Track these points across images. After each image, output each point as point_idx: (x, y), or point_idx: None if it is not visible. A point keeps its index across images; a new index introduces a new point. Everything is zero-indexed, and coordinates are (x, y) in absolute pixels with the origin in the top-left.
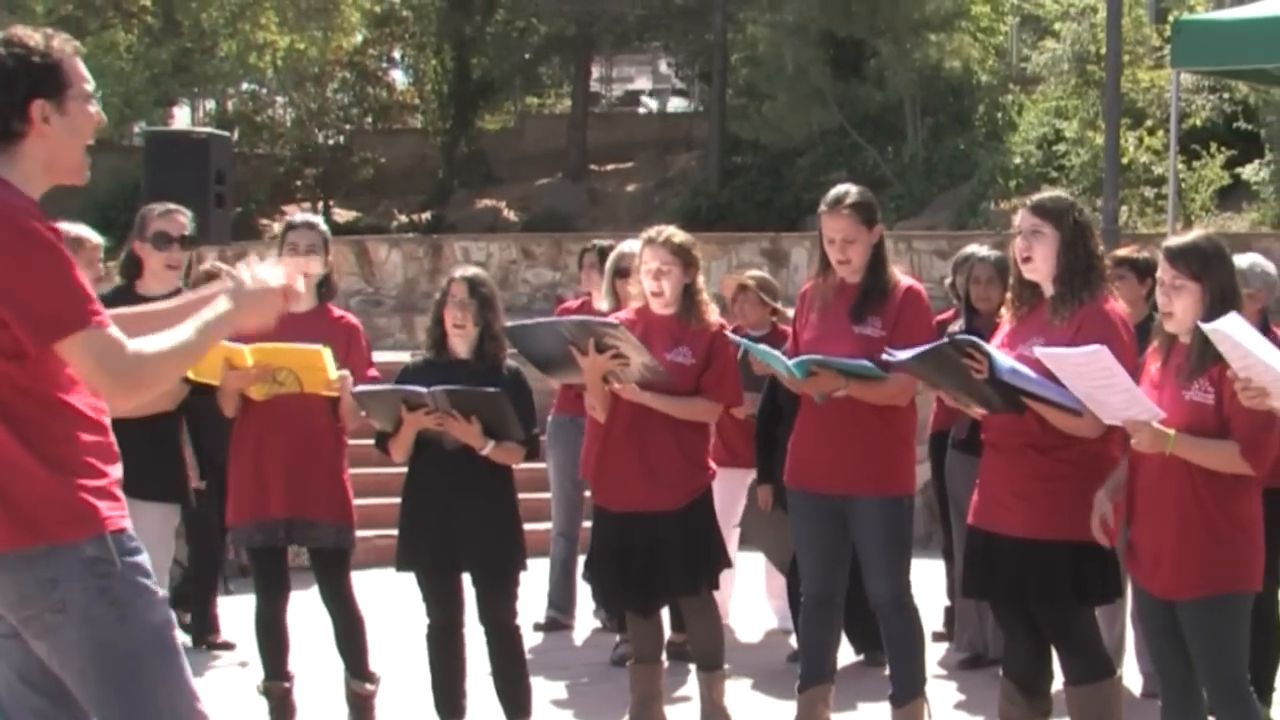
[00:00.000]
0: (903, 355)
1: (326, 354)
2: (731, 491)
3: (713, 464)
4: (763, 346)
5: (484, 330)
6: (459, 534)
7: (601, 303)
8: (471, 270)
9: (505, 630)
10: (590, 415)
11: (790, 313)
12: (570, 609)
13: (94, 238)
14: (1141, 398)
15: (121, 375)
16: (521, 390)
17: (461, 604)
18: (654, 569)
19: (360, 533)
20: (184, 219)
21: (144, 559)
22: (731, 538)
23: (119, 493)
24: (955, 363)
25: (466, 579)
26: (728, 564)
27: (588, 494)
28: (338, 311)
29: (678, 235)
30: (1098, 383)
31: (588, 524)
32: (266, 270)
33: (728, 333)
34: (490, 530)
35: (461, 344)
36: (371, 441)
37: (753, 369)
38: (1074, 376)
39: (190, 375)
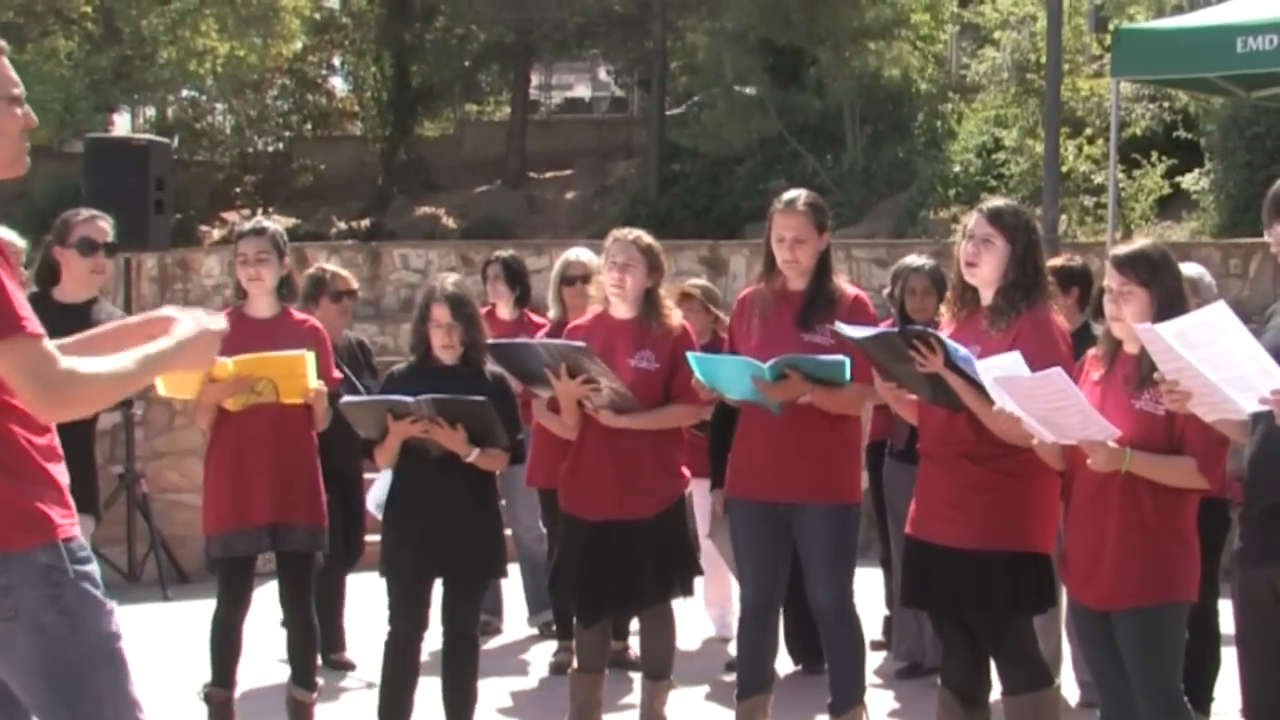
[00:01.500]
0: (855, 332)
1: (309, 359)
2: (700, 500)
3: (686, 471)
4: (721, 356)
5: (470, 342)
6: (439, 540)
7: (507, 313)
8: (450, 287)
9: (467, 637)
10: (539, 425)
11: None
12: (499, 611)
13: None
14: (1097, 418)
15: (49, 389)
16: (505, 396)
17: (427, 613)
18: (629, 578)
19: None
20: (106, 225)
21: (94, 568)
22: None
23: (69, 500)
24: (902, 351)
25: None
26: (700, 571)
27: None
28: (299, 316)
29: (647, 237)
30: (1053, 405)
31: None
32: (210, 319)
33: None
34: (473, 536)
35: (448, 355)
36: None
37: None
38: (1028, 399)
39: (163, 391)
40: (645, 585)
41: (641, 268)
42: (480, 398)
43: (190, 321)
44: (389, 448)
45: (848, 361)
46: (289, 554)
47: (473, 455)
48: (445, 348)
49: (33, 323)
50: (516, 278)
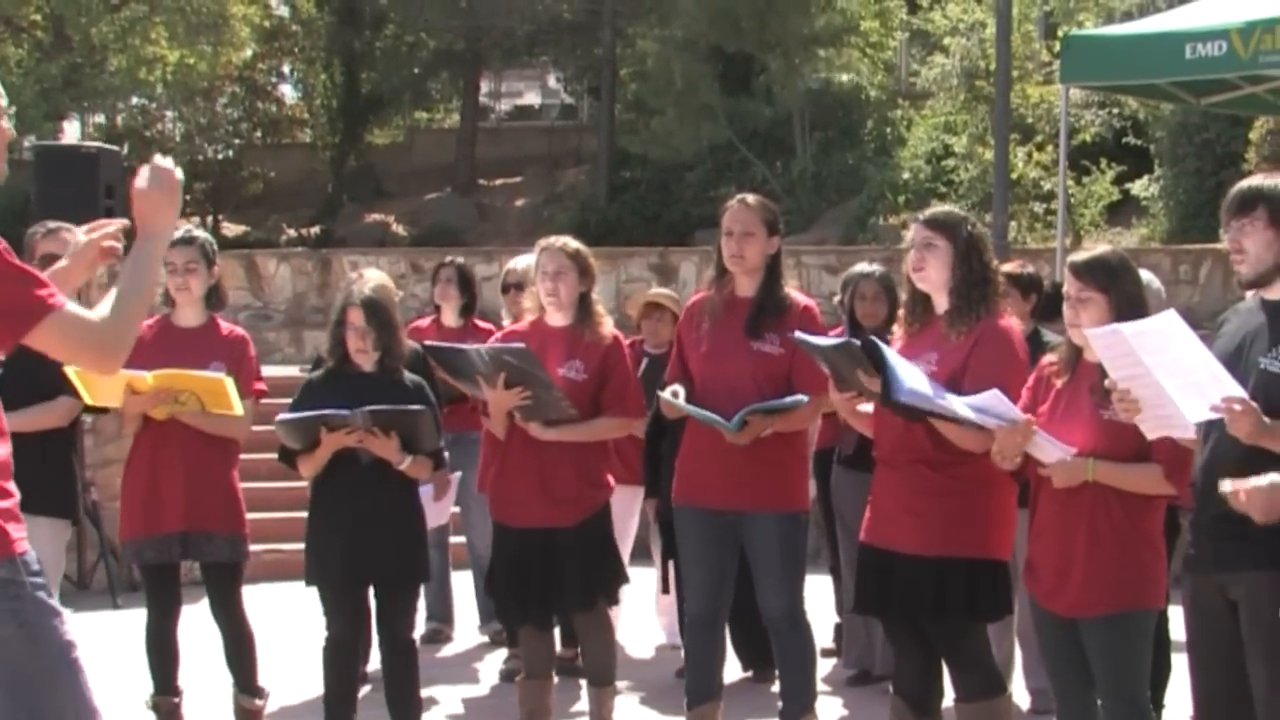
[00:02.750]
0: (814, 340)
1: (229, 384)
2: (628, 507)
3: (610, 480)
4: (704, 412)
5: (385, 348)
6: (368, 547)
7: (453, 320)
8: (369, 291)
9: (403, 644)
10: (489, 431)
11: None
12: (450, 619)
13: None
14: (1046, 441)
15: (103, 346)
16: (427, 404)
17: (365, 619)
18: (552, 584)
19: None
20: (70, 236)
21: (44, 579)
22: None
23: (20, 514)
24: (862, 360)
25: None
26: (625, 580)
27: (456, 510)
28: (226, 327)
29: (574, 242)
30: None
31: (457, 540)
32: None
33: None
34: (397, 544)
35: (364, 360)
36: (258, 456)
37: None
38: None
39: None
40: (568, 591)
41: (573, 274)
42: (418, 406)
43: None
44: (319, 458)
45: (805, 400)
46: (211, 564)
47: (405, 463)
48: (359, 352)
49: (55, 295)
50: (468, 284)
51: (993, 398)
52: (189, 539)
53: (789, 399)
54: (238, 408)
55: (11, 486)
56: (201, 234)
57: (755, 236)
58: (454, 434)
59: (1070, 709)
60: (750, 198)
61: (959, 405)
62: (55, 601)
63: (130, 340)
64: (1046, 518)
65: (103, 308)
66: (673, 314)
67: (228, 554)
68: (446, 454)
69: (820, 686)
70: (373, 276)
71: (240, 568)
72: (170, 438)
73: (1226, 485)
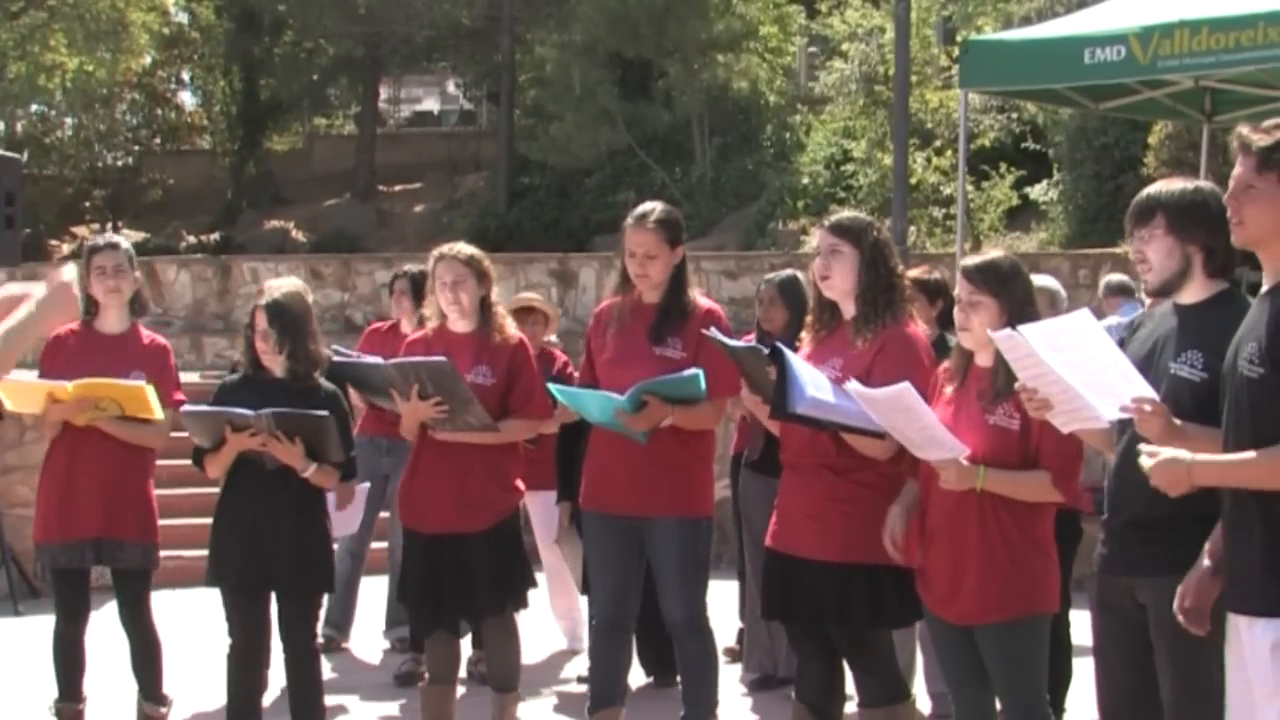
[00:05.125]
0: (726, 340)
1: (150, 392)
2: (550, 512)
3: (520, 484)
4: (582, 390)
5: (292, 353)
6: (269, 553)
7: (410, 329)
8: (277, 296)
9: (306, 651)
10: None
11: (553, 338)
12: (347, 627)
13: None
14: (946, 436)
15: None
16: (339, 412)
17: (267, 626)
18: (463, 589)
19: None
20: None
21: None
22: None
23: None
24: (765, 367)
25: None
26: (534, 584)
27: (384, 514)
28: (148, 335)
29: (468, 248)
30: (903, 421)
31: (378, 545)
32: (61, 273)
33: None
34: (300, 550)
35: (274, 365)
36: (169, 462)
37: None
38: (879, 413)
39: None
40: (480, 597)
41: (472, 280)
42: (322, 412)
43: (40, 285)
44: (224, 458)
45: (701, 374)
46: (123, 571)
47: (309, 470)
48: (264, 354)
49: None
50: (421, 293)
51: (905, 390)
52: (103, 545)
53: (685, 373)
54: (158, 412)
55: None
56: (124, 241)
57: (658, 258)
58: (390, 440)
59: (968, 713)
60: (651, 218)
61: (855, 415)
62: None
63: None
64: (937, 525)
65: None
66: (545, 316)
67: (140, 561)
68: (385, 462)
69: (725, 690)
70: (286, 283)
71: (150, 575)
72: (88, 444)
73: (1145, 460)
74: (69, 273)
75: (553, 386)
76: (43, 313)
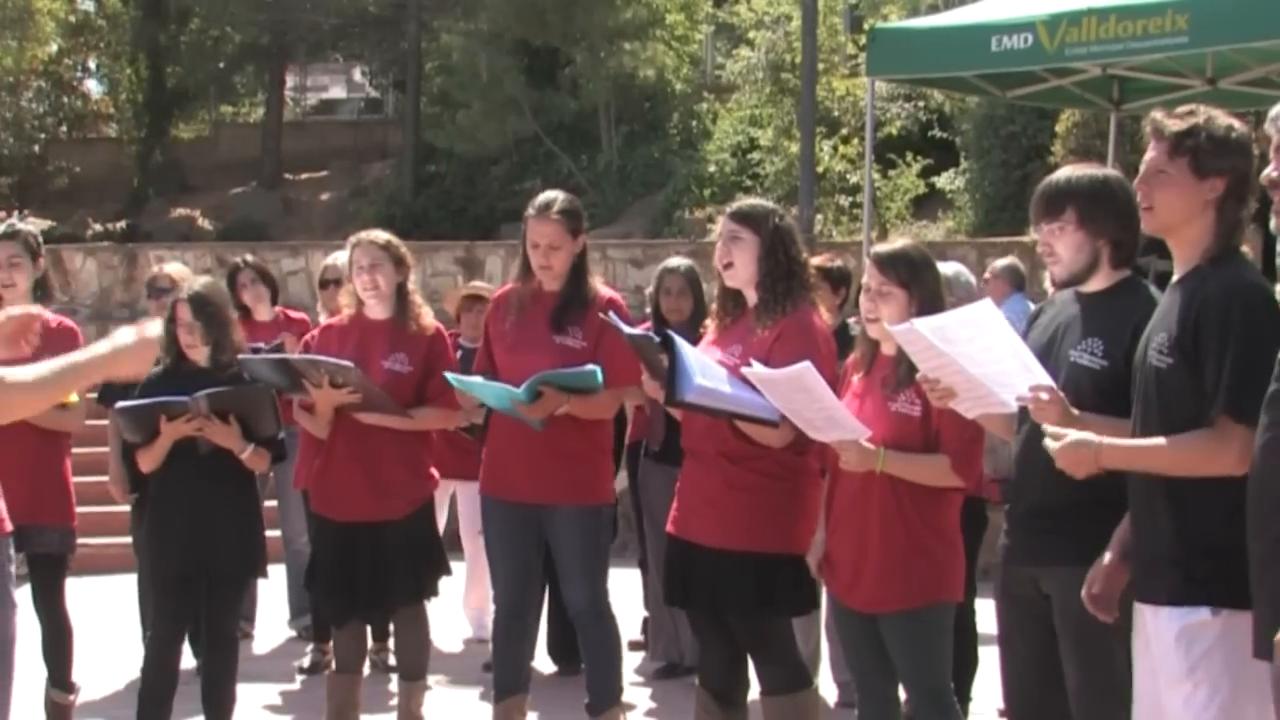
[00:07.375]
0: (623, 326)
1: None
2: (477, 502)
3: (434, 472)
4: (477, 380)
5: (217, 343)
6: (206, 540)
7: (266, 316)
8: (199, 287)
9: (227, 640)
10: (303, 427)
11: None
12: (252, 616)
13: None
14: (846, 418)
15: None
16: (264, 394)
17: (192, 615)
18: (378, 578)
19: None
20: None
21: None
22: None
23: None
24: (658, 354)
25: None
26: (447, 572)
27: (273, 504)
28: (55, 319)
29: (385, 234)
30: (802, 403)
31: (273, 533)
32: (150, 326)
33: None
34: (241, 537)
35: (197, 355)
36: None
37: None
38: (779, 396)
39: None
40: (395, 586)
41: (389, 266)
42: (258, 383)
43: (129, 330)
44: (159, 449)
45: (598, 370)
46: (41, 555)
47: (247, 451)
48: (189, 347)
49: None
50: (268, 278)
51: (805, 370)
52: (24, 532)
53: (577, 368)
54: (73, 396)
55: None
56: (25, 227)
57: (561, 249)
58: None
59: (871, 701)
60: (553, 210)
61: (749, 404)
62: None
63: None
64: (840, 513)
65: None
66: None
67: (57, 546)
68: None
69: (630, 678)
70: (174, 270)
71: (67, 561)
72: (4, 430)
73: (1050, 442)
74: (154, 329)
75: (450, 375)
76: (117, 359)
